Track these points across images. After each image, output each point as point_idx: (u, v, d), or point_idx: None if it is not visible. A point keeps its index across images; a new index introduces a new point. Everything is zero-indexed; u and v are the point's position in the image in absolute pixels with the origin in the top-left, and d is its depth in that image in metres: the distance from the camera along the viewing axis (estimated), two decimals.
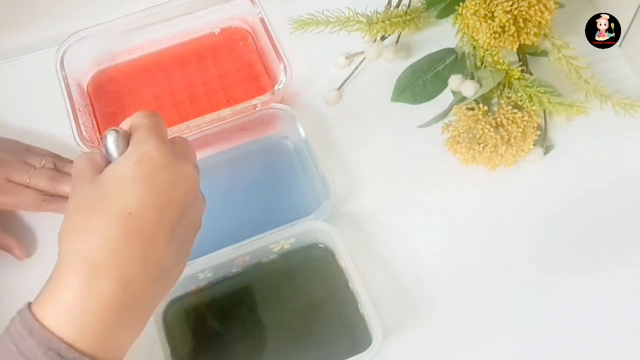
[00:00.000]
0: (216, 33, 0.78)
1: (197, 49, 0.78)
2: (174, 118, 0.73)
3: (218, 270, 0.62)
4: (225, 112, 0.68)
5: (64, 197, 0.66)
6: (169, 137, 0.50)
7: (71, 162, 0.67)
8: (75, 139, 0.68)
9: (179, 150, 0.49)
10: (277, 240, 0.62)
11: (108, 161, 0.48)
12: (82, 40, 0.74)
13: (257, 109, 0.69)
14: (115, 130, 0.48)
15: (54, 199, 0.66)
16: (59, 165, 0.67)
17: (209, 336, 0.61)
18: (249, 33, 0.78)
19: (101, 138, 0.72)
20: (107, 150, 0.48)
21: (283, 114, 0.68)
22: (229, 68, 0.76)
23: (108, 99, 0.75)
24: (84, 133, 0.69)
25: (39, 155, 0.67)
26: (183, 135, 0.68)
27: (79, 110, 0.71)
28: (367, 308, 0.57)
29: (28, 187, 0.65)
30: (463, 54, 0.72)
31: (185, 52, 0.78)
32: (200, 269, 0.61)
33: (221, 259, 0.61)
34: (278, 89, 0.69)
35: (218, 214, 0.67)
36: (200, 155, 0.70)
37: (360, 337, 0.59)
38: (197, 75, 0.76)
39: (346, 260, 0.60)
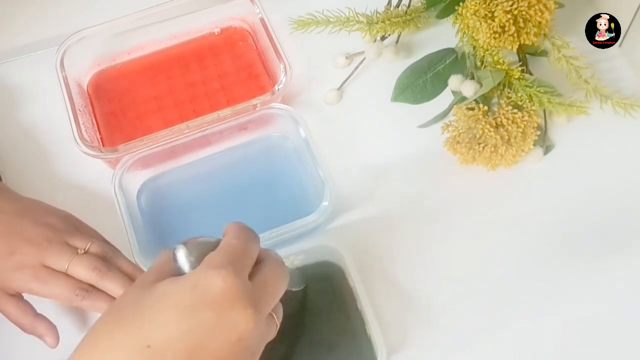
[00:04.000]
0: (216, 33, 0.78)
1: (197, 49, 0.78)
2: (174, 118, 0.73)
3: None
4: (225, 112, 0.68)
5: (102, 294, 0.57)
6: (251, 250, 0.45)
7: (121, 254, 0.60)
8: (75, 139, 0.67)
9: (254, 290, 0.43)
10: (287, 256, 0.62)
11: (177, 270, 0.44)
12: (82, 40, 0.73)
13: (257, 109, 0.69)
14: (184, 244, 0.44)
15: (89, 293, 0.56)
16: (107, 252, 0.58)
17: None
18: (249, 33, 0.78)
19: (101, 139, 0.73)
20: (176, 264, 0.44)
21: (283, 114, 0.68)
22: (229, 68, 0.76)
23: (108, 98, 0.75)
24: (84, 133, 0.69)
25: (86, 236, 0.59)
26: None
27: (79, 110, 0.71)
28: (373, 330, 0.57)
29: (65, 274, 0.56)
30: (463, 54, 0.72)
31: (185, 52, 0.77)
32: None
33: None
34: (278, 89, 0.69)
35: (218, 213, 0.68)
36: (200, 155, 0.71)
37: (365, 357, 0.58)
38: (197, 75, 0.76)
39: (355, 280, 0.60)
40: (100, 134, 0.73)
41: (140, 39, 0.77)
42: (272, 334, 0.47)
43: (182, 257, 0.44)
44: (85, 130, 0.69)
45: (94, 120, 0.74)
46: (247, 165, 0.71)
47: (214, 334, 0.41)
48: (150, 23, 0.76)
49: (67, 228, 0.59)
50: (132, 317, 0.42)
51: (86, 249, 0.57)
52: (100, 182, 0.68)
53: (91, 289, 0.57)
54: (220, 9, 0.77)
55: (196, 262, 0.44)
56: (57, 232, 0.58)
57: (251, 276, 0.44)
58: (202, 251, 0.44)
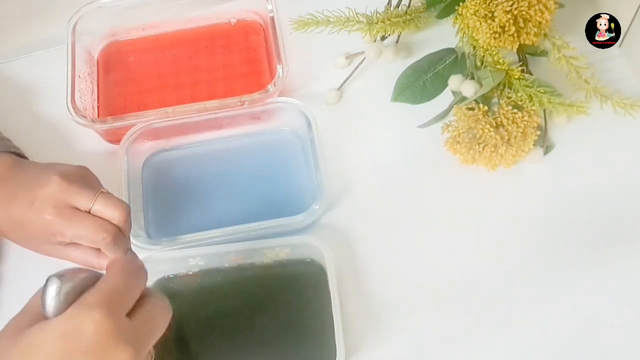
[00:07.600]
0: (232, 23, 0.79)
1: (210, 36, 0.78)
2: (171, 99, 0.73)
3: (209, 260, 0.63)
4: (212, 103, 0.69)
5: (125, 241, 0.55)
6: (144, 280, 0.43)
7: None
8: (67, 105, 0.68)
9: (133, 328, 0.40)
10: (272, 247, 0.62)
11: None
12: (99, 9, 0.74)
13: (244, 105, 0.69)
14: (59, 278, 0.38)
15: (114, 238, 0.54)
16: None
17: (187, 319, 0.61)
18: (263, 28, 0.78)
19: (98, 109, 0.72)
20: (41, 300, 0.38)
21: (297, 110, 0.69)
22: (235, 60, 0.77)
23: (115, 70, 0.77)
24: (78, 100, 0.69)
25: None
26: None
27: (79, 76, 0.71)
28: (338, 334, 0.57)
29: (91, 215, 0.54)
30: (463, 54, 0.72)
31: (198, 37, 0.79)
32: (191, 254, 0.62)
33: (213, 250, 0.62)
34: (271, 89, 0.69)
35: (215, 195, 0.68)
36: (210, 136, 0.72)
37: (325, 357, 0.57)
38: (204, 61, 0.77)
39: (332, 285, 0.59)
40: (98, 103, 0.74)
41: (157, 17, 0.78)
42: None
43: (51, 294, 0.38)
44: (81, 97, 0.70)
45: (96, 89, 0.74)
46: (253, 153, 0.71)
47: None
48: (169, 2, 0.77)
49: (86, 175, 0.58)
50: None
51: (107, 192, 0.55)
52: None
53: (117, 233, 0.54)
54: (240, 0, 0.78)
55: (66, 301, 0.39)
56: (77, 177, 0.56)
57: (131, 313, 0.42)
58: (76, 288, 0.40)
